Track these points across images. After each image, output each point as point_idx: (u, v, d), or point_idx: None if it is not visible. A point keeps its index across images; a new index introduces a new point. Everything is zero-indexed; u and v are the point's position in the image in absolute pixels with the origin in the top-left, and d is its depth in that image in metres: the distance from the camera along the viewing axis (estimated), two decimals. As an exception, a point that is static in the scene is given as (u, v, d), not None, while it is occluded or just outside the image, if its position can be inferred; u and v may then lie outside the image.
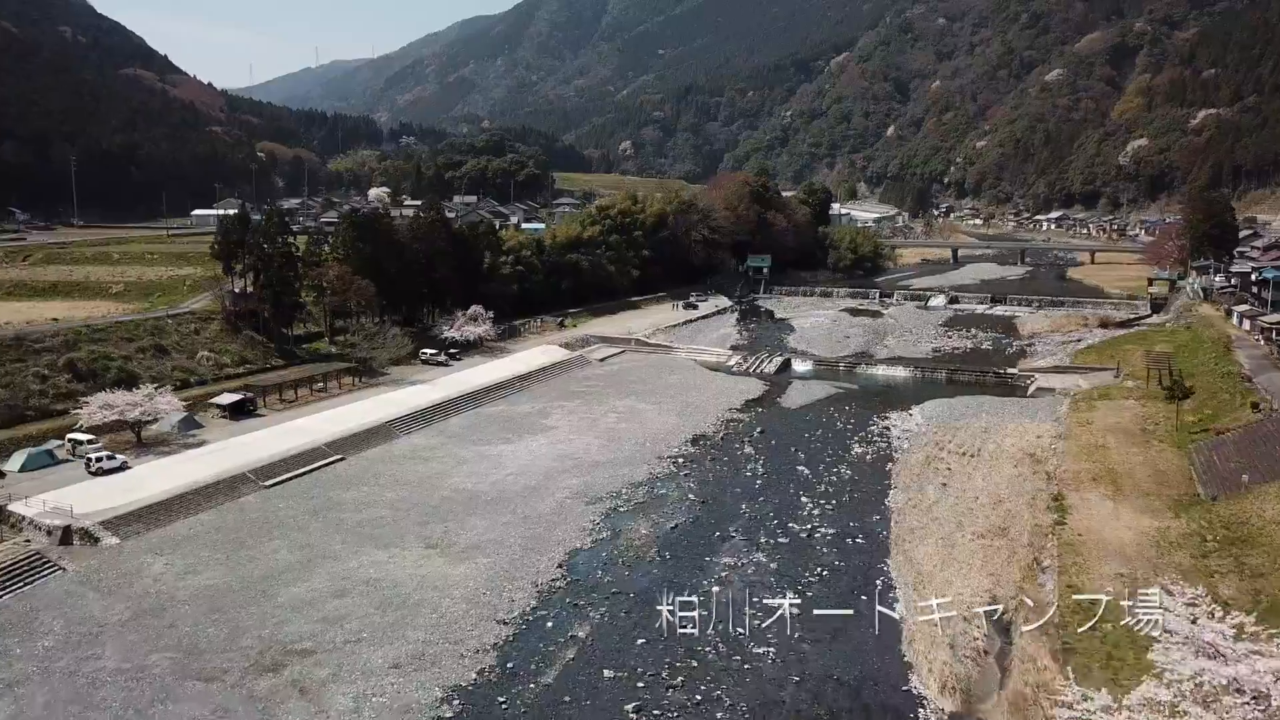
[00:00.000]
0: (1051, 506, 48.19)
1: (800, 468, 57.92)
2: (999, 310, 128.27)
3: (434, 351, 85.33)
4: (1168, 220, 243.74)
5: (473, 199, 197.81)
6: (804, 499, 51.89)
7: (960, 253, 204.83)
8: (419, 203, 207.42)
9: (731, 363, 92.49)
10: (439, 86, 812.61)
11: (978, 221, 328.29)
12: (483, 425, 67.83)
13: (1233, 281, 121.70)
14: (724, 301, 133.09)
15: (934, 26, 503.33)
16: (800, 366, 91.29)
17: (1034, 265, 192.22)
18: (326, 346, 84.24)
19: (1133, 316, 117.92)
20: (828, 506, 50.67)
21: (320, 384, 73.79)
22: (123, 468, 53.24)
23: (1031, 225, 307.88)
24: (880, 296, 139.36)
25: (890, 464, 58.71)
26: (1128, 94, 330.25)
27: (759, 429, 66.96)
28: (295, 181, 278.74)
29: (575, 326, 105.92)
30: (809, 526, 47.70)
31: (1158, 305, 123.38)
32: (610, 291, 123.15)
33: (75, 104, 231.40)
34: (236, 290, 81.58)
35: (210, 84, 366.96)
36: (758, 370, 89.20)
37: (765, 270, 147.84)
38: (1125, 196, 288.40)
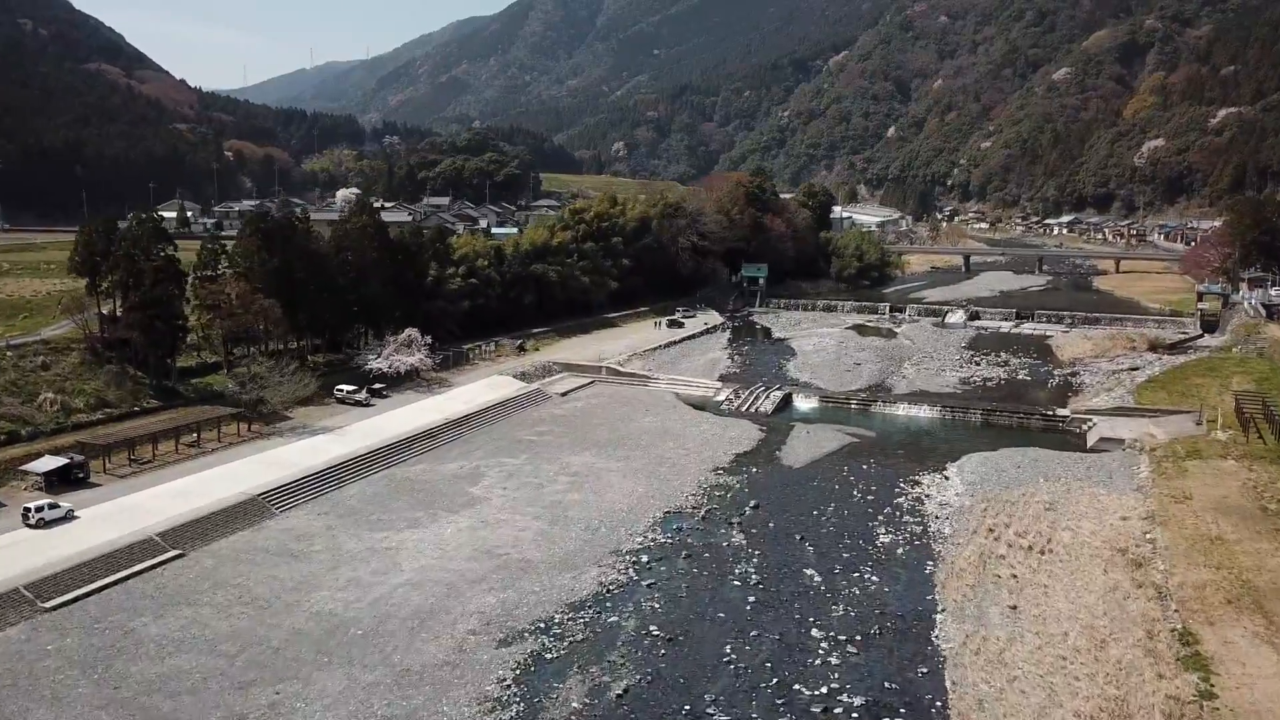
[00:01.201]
0: (1183, 658, 32.45)
1: (808, 570, 42.10)
2: (1027, 329, 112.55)
3: (352, 389, 69.34)
4: (1190, 225, 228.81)
5: (443, 200, 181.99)
6: (815, 632, 36.11)
7: (972, 260, 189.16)
8: (391, 204, 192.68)
9: (720, 398, 76.71)
10: (431, 87, 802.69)
11: (984, 225, 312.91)
12: (390, 496, 51.96)
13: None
14: (714, 318, 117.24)
15: (935, 24, 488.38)
16: (803, 404, 75.49)
17: (1053, 274, 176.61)
18: (224, 381, 68.25)
19: (1183, 338, 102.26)
20: (850, 649, 34.86)
21: (193, 435, 57.87)
22: None
23: (1041, 230, 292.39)
24: (891, 311, 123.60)
25: (930, 562, 42.94)
26: (1141, 92, 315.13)
27: (752, 503, 51.09)
28: (267, 182, 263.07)
29: (538, 351, 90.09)
30: (824, 690, 31.92)
31: (1210, 324, 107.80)
32: (583, 306, 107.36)
33: (21, 99, 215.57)
34: (105, 312, 65.66)
35: (183, 81, 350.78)
36: (752, 409, 73.42)
37: (762, 281, 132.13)
38: (1141, 199, 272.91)
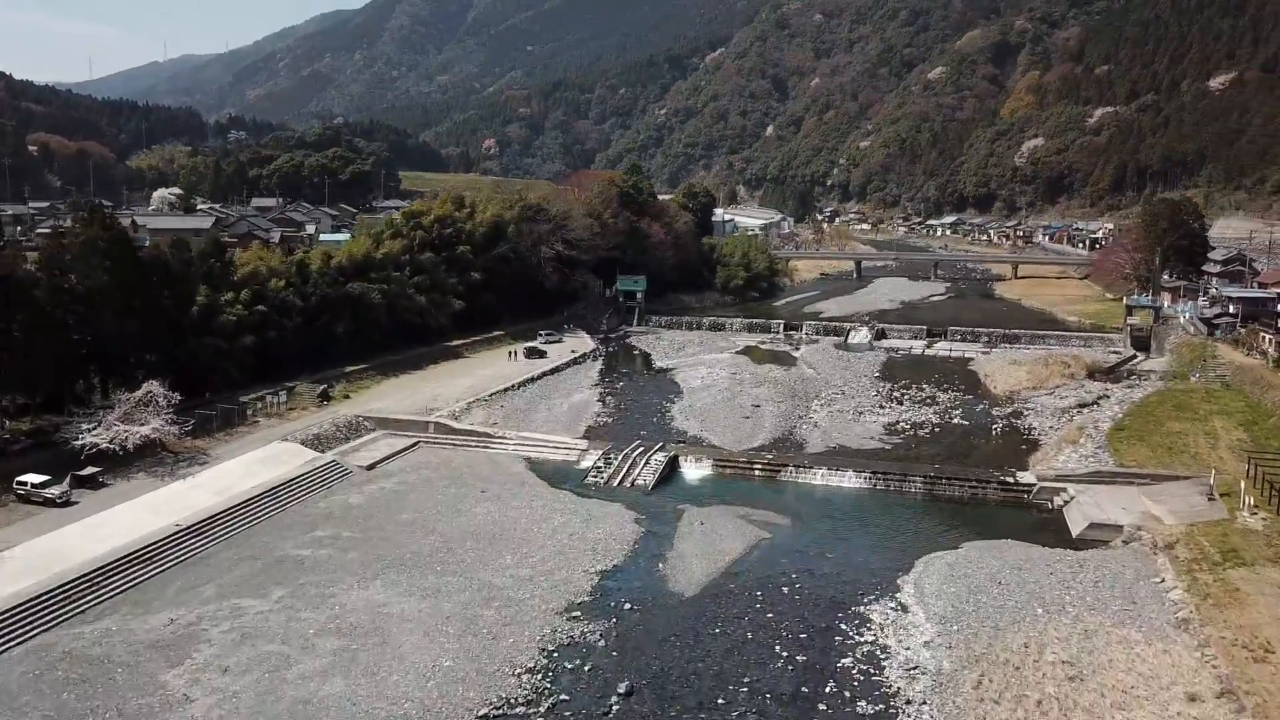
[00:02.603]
0: None
1: None
2: (942, 349, 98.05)
3: (43, 480, 47.16)
4: (1075, 225, 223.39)
5: (269, 202, 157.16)
6: None
7: (864, 265, 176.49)
8: (215, 205, 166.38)
9: (586, 464, 57.90)
10: (292, 81, 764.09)
11: (865, 226, 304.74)
12: (22, 704, 31.00)
13: (1230, 309, 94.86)
14: (585, 342, 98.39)
15: (811, 22, 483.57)
16: (693, 470, 57.39)
17: (950, 279, 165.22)
18: None
19: (1118, 359, 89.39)
20: None
21: None
22: None
23: (925, 230, 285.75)
24: (786, 330, 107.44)
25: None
26: (1017, 91, 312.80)
27: (623, 686, 32.27)
28: (81, 180, 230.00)
29: (348, 399, 69.23)
30: None
31: (1141, 341, 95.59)
32: (420, 334, 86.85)
33: None
34: None
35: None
36: (627, 481, 54.87)
37: (640, 295, 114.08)
38: (1023, 200, 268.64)
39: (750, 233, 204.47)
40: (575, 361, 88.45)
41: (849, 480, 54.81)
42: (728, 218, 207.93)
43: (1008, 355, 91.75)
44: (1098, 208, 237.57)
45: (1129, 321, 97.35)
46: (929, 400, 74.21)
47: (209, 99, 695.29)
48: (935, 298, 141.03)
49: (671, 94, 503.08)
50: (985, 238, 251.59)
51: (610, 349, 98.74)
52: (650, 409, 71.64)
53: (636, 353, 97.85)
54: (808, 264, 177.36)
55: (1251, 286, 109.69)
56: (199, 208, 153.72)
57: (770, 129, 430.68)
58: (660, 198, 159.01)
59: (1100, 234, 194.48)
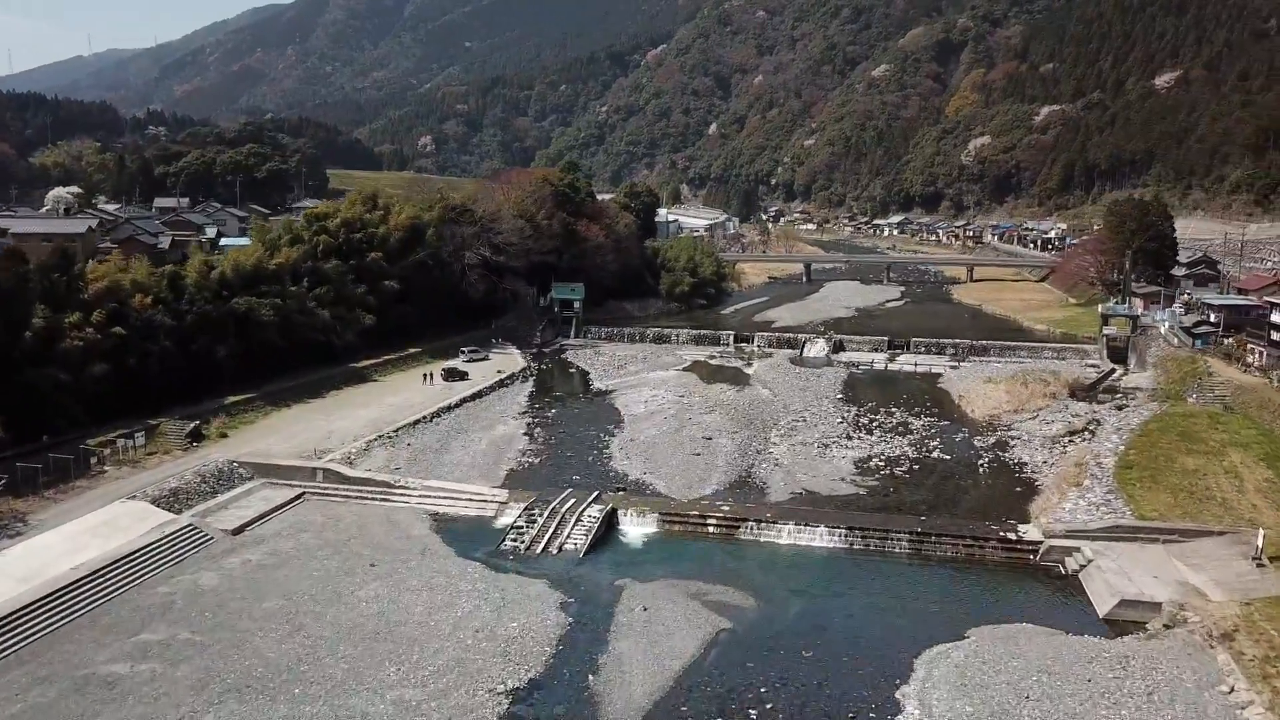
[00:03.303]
0: None
1: None
2: (907, 364, 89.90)
3: None
4: (1025, 225, 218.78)
5: (173, 202, 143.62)
6: None
7: (813, 268, 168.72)
8: (115, 206, 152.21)
9: (504, 521, 47.85)
10: (221, 77, 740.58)
11: (811, 226, 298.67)
12: None
13: (1212, 318, 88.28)
14: (515, 359, 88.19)
15: (754, 20, 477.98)
16: (635, 527, 47.70)
17: (903, 283, 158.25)
18: None
19: (1099, 375, 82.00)
20: None
21: None
22: None
23: (871, 231, 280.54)
24: (737, 342, 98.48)
25: None
26: (962, 89, 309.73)
27: None
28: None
29: (225, 437, 58.20)
30: None
31: (1118, 353, 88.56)
32: (324, 354, 75.82)
33: None
34: None
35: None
36: (553, 545, 44.96)
37: (578, 305, 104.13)
38: (970, 199, 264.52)
39: (695, 234, 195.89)
40: (502, 384, 78.14)
41: (821, 538, 45.62)
42: (672, 218, 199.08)
43: (979, 370, 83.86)
44: (1045, 207, 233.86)
45: (1105, 331, 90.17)
46: (901, 428, 65.53)
47: (134, 95, 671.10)
48: (891, 303, 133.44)
49: (613, 91, 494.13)
50: (934, 238, 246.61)
51: (544, 366, 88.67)
52: (585, 444, 61.76)
53: (573, 370, 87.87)
54: (755, 267, 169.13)
55: (1223, 291, 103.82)
56: (102, 208, 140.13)
57: (713, 127, 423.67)
58: (601, 198, 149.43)
59: (1053, 234, 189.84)
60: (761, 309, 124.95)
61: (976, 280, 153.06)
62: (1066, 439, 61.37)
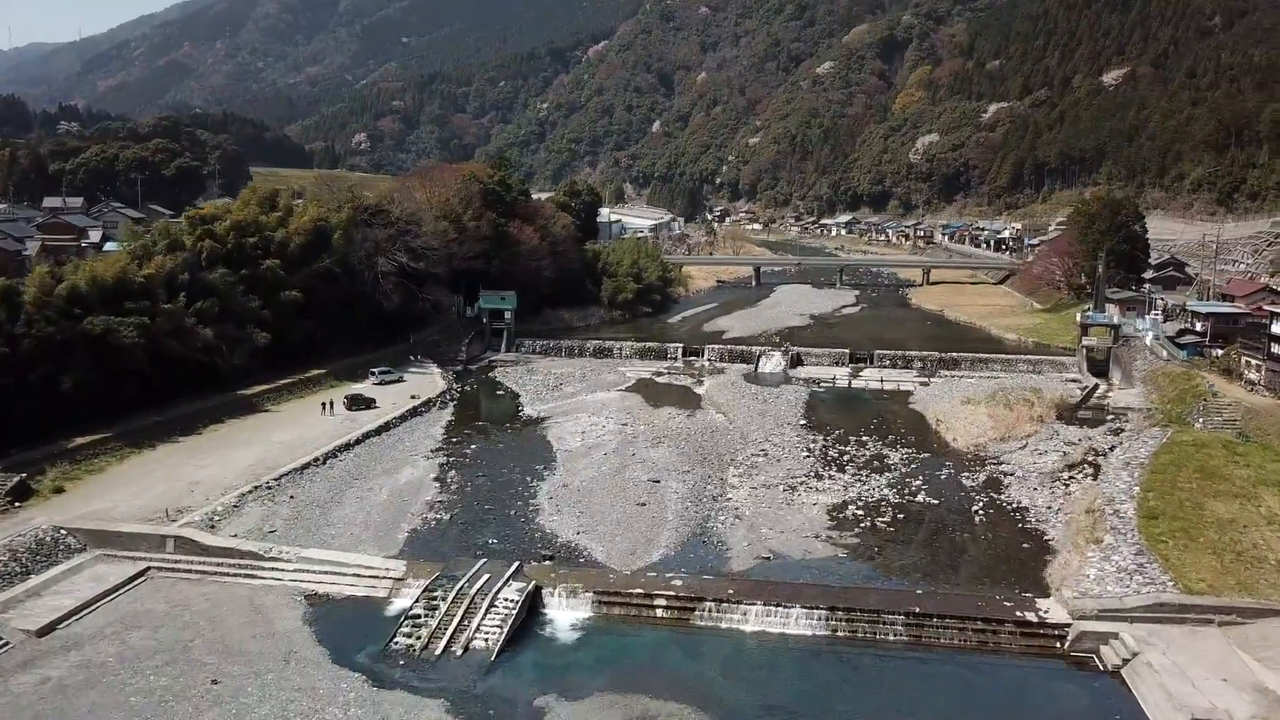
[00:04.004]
0: None
1: None
2: (872, 380, 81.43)
3: None
4: (976, 225, 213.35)
5: (58, 202, 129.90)
6: None
7: (763, 270, 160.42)
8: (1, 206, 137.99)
9: (398, 606, 37.83)
10: (148, 71, 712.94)
11: (757, 226, 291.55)
12: None
13: (1198, 326, 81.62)
14: (434, 380, 77.73)
15: (696, 16, 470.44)
16: (564, 613, 37.94)
17: (857, 286, 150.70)
18: None
19: (1084, 393, 74.55)
20: None
21: None
22: None
23: (819, 230, 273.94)
24: (686, 355, 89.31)
25: None
26: (908, 87, 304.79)
27: None
28: None
29: (61, 492, 47.12)
30: None
31: (1098, 366, 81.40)
32: (208, 378, 64.71)
33: None
34: None
35: None
36: (457, 642, 35.07)
37: (509, 315, 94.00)
38: (919, 197, 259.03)
39: (640, 234, 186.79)
40: (415, 411, 67.70)
41: (796, 623, 36.43)
42: (614, 219, 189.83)
43: (952, 388, 75.73)
44: (995, 206, 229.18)
45: (1084, 342, 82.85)
46: (877, 463, 56.82)
47: (57, 90, 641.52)
48: (847, 309, 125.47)
49: (554, 88, 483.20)
50: (883, 238, 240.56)
51: (467, 387, 78.38)
52: (509, 491, 51.81)
53: (501, 392, 77.66)
54: (702, 270, 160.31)
55: (1201, 296, 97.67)
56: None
57: (657, 125, 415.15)
58: (540, 196, 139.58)
59: (1006, 234, 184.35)
60: (711, 317, 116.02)
61: (933, 283, 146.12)
62: (1065, 474, 53.21)
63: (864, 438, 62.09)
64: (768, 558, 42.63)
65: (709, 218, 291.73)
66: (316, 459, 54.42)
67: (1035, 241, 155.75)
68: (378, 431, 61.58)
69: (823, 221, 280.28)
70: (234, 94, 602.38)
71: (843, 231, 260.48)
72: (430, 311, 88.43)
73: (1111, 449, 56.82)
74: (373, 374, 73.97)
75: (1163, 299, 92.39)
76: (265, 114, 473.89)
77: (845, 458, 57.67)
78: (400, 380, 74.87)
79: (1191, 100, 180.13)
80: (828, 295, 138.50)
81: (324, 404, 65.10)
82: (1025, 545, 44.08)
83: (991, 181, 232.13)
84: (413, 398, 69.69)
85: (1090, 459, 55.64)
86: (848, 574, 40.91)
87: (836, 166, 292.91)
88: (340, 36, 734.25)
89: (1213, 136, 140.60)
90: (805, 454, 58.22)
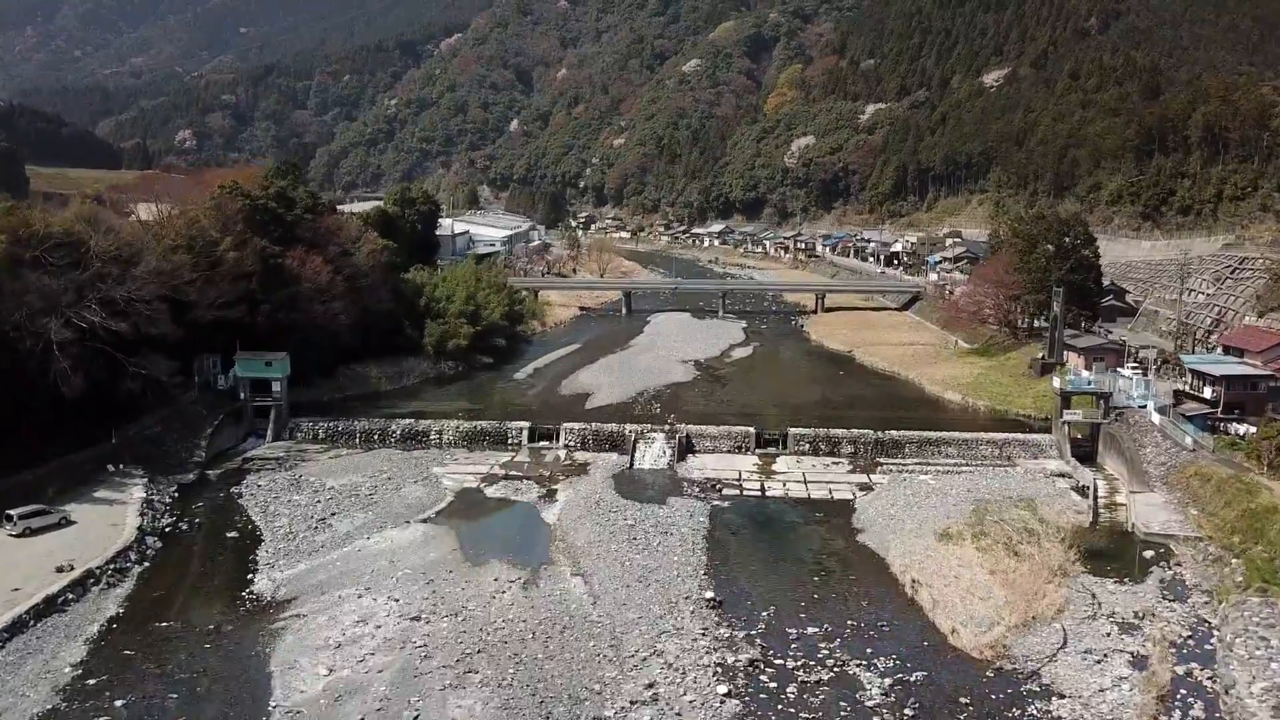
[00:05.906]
0: None
1: None
2: (792, 477, 57.91)
3: None
4: (861, 236, 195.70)
5: None
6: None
7: (634, 295, 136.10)
8: None
9: None
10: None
11: (625, 234, 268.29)
12: None
13: (1208, 392, 62.11)
14: (123, 515, 49.17)
15: (555, 9, 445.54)
16: None
17: (742, 314, 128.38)
18: None
19: (1078, 493, 53.23)
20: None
21: None
22: None
23: (690, 240, 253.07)
24: (532, 440, 63.84)
25: None
26: (780, 86, 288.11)
27: None
28: None
29: None
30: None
31: (1083, 451, 60.66)
32: None
33: None
34: None
35: None
36: None
37: (278, 387, 66.27)
38: (795, 205, 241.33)
39: (491, 248, 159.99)
40: (42, 613, 38.98)
41: None
42: (461, 229, 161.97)
43: (905, 491, 53.24)
44: (877, 214, 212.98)
45: (1066, 416, 61.83)
46: (842, 691, 32.81)
47: None
48: (737, 350, 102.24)
49: (404, 83, 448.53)
50: (760, 249, 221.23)
51: (181, 526, 50.07)
52: None
53: (235, 533, 49.63)
54: (564, 296, 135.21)
55: (1137, 328, 79.37)
56: None
57: (515, 124, 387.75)
58: (347, 209, 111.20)
59: (899, 247, 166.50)
60: (572, 368, 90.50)
61: (829, 309, 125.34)
62: (1159, 713, 30.61)
63: (808, 627, 38.12)
64: None
65: (573, 225, 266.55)
66: None
67: (937, 259, 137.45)
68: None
69: (695, 231, 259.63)
70: (47, 84, 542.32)
71: (716, 242, 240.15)
72: (149, 391, 59.33)
73: (1202, 642, 34.69)
74: (9, 519, 45.16)
75: (1149, 347, 72.95)
76: (74, 107, 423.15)
77: (789, 690, 33.42)
78: (60, 525, 46.34)
79: (1081, 103, 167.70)
80: (712, 329, 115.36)
81: None
82: None
83: (873, 188, 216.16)
84: (58, 571, 41.33)
85: (1172, 662, 33.40)
86: None
87: (707, 171, 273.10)
88: (170, 25, 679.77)
89: (1134, 141, 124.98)
90: (722, 686, 33.58)
